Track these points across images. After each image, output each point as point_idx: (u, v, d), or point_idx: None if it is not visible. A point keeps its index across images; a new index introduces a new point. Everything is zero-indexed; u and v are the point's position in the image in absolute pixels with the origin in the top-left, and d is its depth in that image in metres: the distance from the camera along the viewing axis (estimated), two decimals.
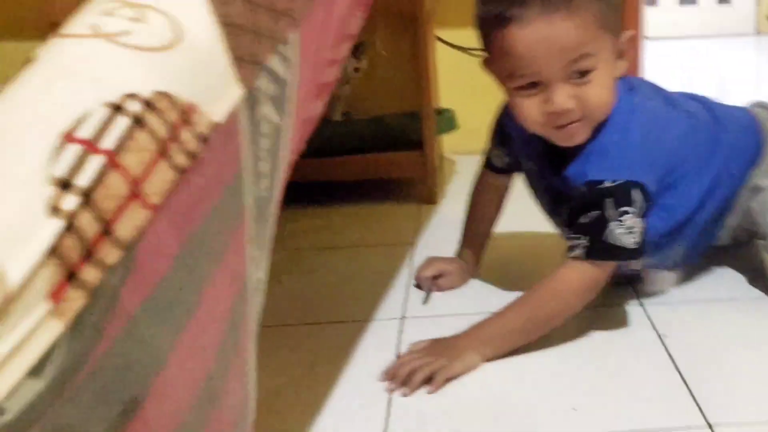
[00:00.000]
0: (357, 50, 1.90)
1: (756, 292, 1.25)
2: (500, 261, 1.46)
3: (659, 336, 1.12)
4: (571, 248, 1.08)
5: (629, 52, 1.10)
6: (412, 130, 1.89)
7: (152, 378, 0.45)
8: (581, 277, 1.07)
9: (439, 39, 2.24)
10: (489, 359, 1.06)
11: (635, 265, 1.17)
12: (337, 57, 0.91)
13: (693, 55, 4.52)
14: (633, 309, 1.22)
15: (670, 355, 1.06)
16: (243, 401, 0.64)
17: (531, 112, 1.05)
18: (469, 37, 2.23)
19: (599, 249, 1.05)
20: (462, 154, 2.31)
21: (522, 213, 1.76)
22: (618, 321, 1.19)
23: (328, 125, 1.96)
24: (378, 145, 1.87)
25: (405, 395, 1.00)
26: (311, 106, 0.83)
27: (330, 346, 1.16)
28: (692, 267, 1.32)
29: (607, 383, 1.01)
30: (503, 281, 1.36)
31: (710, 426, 0.89)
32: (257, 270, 0.66)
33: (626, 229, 1.04)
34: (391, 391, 1.01)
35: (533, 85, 1.03)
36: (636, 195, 1.04)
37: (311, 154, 1.83)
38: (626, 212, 1.04)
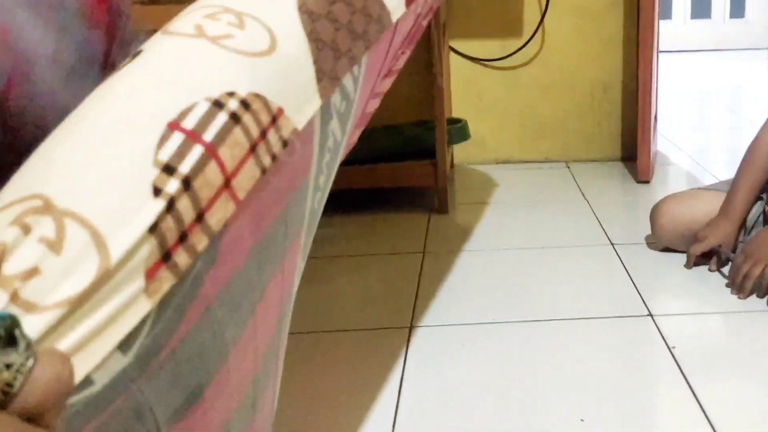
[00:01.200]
0: None
1: (763, 305, 1.25)
2: (505, 270, 1.46)
3: (668, 347, 1.12)
4: None
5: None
6: (424, 139, 1.90)
7: (216, 369, 0.47)
8: None
9: (453, 50, 2.25)
10: None
11: None
12: (381, 90, 0.93)
13: (706, 68, 4.52)
14: (643, 321, 1.22)
15: (679, 367, 1.06)
16: (271, 406, 0.65)
17: None
18: (482, 48, 2.26)
19: None
20: (474, 164, 2.32)
21: (528, 227, 1.77)
22: (628, 333, 1.19)
23: None
24: (391, 154, 1.88)
25: (740, 299, 1.27)
26: (355, 132, 0.85)
27: (341, 353, 1.17)
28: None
29: (616, 394, 1.01)
30: (508, 290, 1.37)
31: None
32: (299, 280, 0.68)
33: None
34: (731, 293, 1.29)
35: None
36: None
37: None
38: None
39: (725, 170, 2.29)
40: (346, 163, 1.94)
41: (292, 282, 0.62)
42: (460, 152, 2.31)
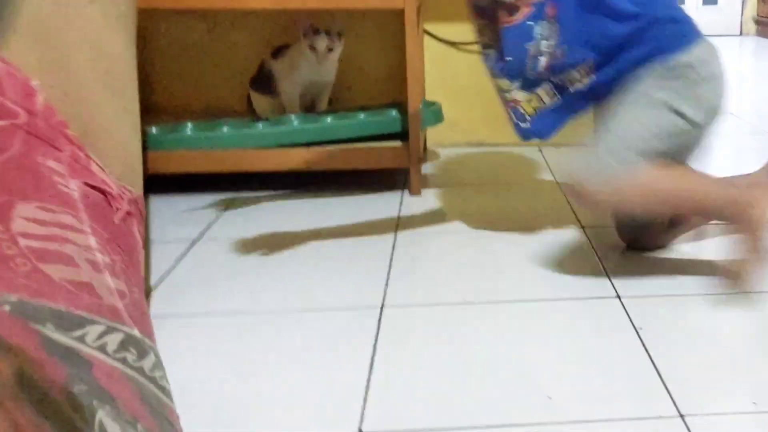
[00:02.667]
0: (331, 32, 1.90)
1: (728, 288, 1.28)
2: (476, 251, 1.47)
3: (635, 329, 1.14)
4: None
5: None
6: (397, 121, 1.90)
7: None
8: None
9: (427, 32, 2.25)
10: None
11: None
12: None
13: None
14: (610, 302, 1.23)
15: (645, 348, 1.08)
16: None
17: None
18: (457, 31, 2.26)
19: None
20: (447, 147, 2.33)
21: (499, 209, 1.78)
22: (596, 314, 1.21)
23: (315, 115, 1.96)
24: (363, 136, 1.88)
25: None
26: None
27: (310, 335, 1.17)
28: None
29: (584, 374, 1.03)
30: (479, 271, 1.38)
31: (682, 416, 0.91)
32: None
33: None
34: None
35: None
36: None
37: (299, 144, 1.84)
38: None
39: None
40: (317, 144, 1.94)
41: None
42: (432, 134, 2.31)
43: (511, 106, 1.32)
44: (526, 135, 1.34)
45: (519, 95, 1.28)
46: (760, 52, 4.81)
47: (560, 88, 1.28)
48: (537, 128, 1.32)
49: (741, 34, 5.23)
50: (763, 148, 2.31)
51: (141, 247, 1.01)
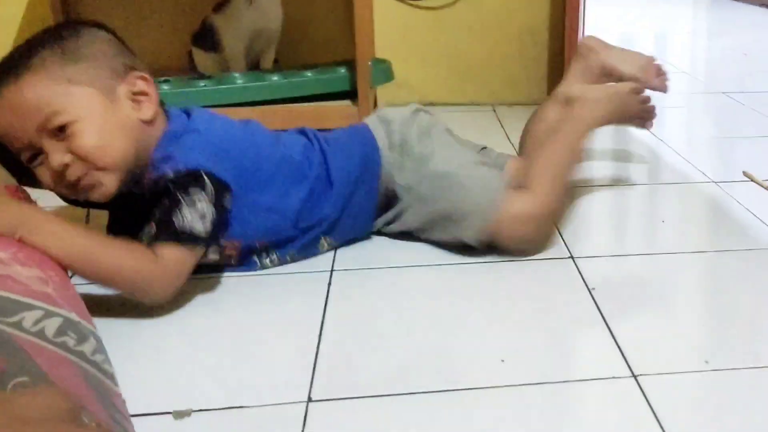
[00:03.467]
0: None
1: (683, 247, 1.27)
2: None
3: (588, 289, 1.12)
4: (141, 237, 1.06)
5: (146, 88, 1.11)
6: (346, 80, 1.85)
7: None
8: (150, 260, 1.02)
9: None
10: None
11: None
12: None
13: (633, 14, 4.55)
14: (564, 263, 1.21)
15: (598, 308, 1.06)
16: None
17: (47, 180, 1.06)
18: None
19: (166, 232, 1.03)
20: (397, 106, 2.28)
21: None
22: (549, 274, 1.19)
23: (260, 73, 1.89)
24: (311, 94, 1.83)
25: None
26: None
27: (265, 293, 1.13)
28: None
29: (537, 335, 1.00)
30: None
31: (635, 376, 0.89)
32: None
33: (197, 214, 1.03)
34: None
35: (36, 155, 1.05)
36: (202, 181, 1.04)
37: (243, 103, 1.78)
38: (195, 197, 1.03)
39: None
40: (263, 103, 1.89)
41: None
42: (382, 93, 2.26)
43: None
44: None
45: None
46: (714, 8, 4.84)
47: None
48: None
49: None
50: (714, 106, 2.31)
51: None
